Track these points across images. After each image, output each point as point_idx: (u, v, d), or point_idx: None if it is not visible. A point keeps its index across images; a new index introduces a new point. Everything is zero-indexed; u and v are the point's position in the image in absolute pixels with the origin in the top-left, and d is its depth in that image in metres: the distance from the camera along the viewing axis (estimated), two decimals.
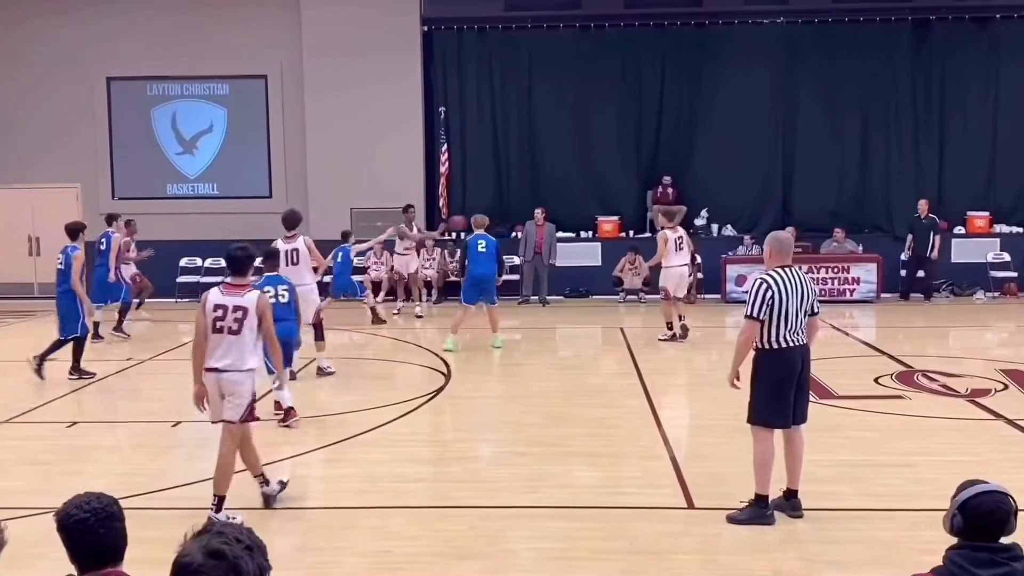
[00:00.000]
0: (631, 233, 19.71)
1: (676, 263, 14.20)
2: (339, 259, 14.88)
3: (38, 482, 7.83)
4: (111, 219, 15.03)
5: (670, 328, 14.04)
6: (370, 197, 19.27)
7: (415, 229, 17.55)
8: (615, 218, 19.69)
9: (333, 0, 19.13)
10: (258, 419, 7.02)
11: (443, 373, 11.88)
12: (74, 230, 11.83)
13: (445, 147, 19.86)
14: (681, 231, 14.64)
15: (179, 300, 18.40)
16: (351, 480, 7.76)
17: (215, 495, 6.69)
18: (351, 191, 19.33)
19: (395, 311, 17.18)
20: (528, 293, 18.97)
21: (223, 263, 18.70)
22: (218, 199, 19.96)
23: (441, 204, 19.97)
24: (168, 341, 14.47)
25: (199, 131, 20.12)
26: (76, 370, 11.67)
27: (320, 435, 9.10)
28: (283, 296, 9.52)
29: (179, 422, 9.72)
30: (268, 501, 6.96)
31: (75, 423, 9.83)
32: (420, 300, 17.75)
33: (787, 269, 6.55)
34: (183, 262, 19.07)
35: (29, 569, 5.52)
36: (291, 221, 11.58)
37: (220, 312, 6.60)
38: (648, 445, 8.64)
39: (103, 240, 14.58)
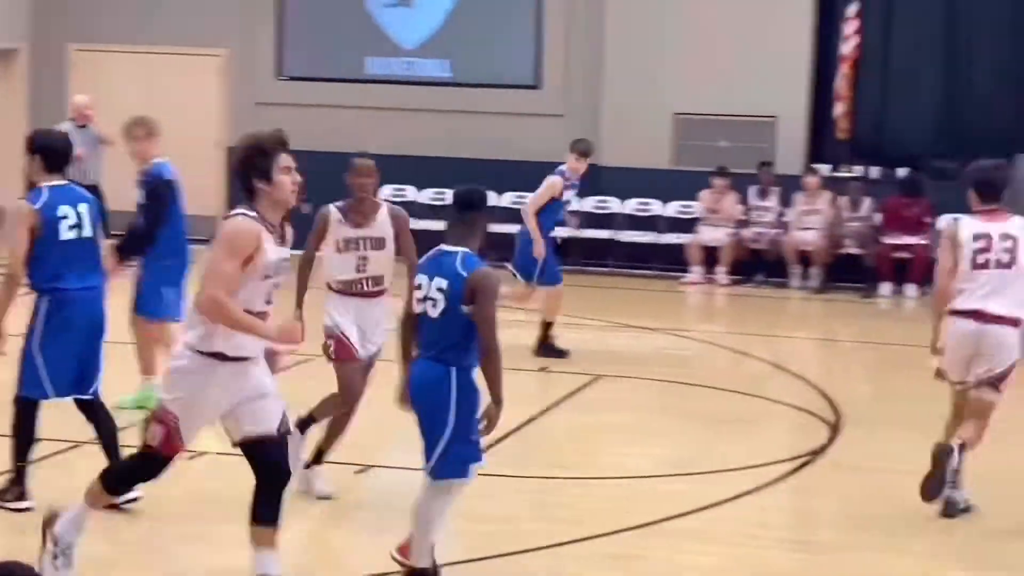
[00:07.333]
0: None
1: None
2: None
3: None
4: None
5: None
6: (709, 100, 14.15)
7: None
8: None
9: None
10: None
11: (828, 422, 8.79)
12: None
13: (857, 8, 13.02)
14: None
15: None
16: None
17: None
18: (674, 87, 14.33)
19: None
20: None
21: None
22: (449, 86, 15.10)
23: (836, 112, 13.41)
24: None
25: None
26: None
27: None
28: None
29: None
30: None
31: None
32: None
33: None
34: (386, 191, 13.24)
35: None
36: None
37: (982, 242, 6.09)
38: None
39: None
